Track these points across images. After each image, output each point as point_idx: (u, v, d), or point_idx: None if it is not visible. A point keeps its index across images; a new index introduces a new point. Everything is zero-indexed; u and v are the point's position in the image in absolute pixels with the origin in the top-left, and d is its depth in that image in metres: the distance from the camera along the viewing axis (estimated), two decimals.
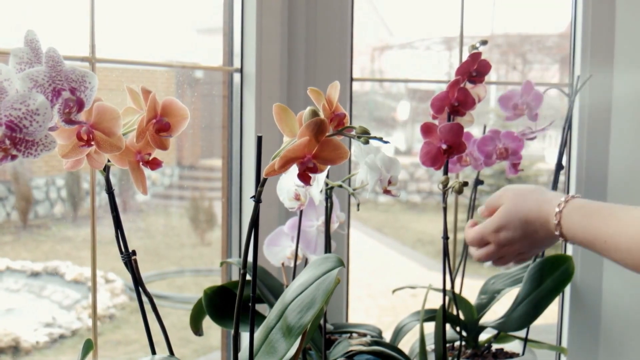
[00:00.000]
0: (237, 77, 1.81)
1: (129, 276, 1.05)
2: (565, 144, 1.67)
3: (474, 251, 1.36)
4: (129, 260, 1.04)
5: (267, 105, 1.77)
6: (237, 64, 1.81)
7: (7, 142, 0.78)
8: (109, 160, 0.97)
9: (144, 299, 1.07)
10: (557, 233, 1.17)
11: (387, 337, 1.64)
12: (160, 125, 0.95)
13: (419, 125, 1.26)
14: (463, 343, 1.66)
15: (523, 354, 1.66)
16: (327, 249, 1.36)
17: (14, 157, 0.79)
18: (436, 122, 1.32)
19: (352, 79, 1.88)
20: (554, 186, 1.66)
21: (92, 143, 0.89)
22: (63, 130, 0.89)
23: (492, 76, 1.40)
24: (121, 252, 1.04)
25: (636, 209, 1.06)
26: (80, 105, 0.85)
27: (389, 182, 1.26)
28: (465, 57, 1.38)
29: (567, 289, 1.98)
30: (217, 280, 2.01)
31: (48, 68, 0.82)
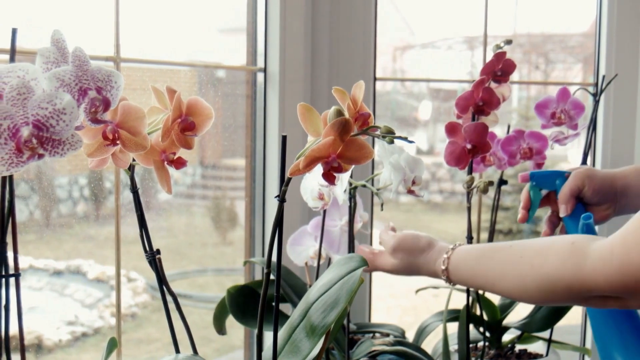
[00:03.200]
0: (260, 76, 1.81)
1: (151, 275, 1.06)
2: (589, 144, 1.66)
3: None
4: (154, 259, 1.04)
5: (290, 104, 1.77)
6: (260, 63, 1.81)
7: (34, 141, 0.79)
8: (133, 160, 0.97)
9: (168, 297, 1.07)
10: (443, 278, 1.20)
11: (409, 337, 1.64)
12: (186, 125, 0.95)
13: (440, 125, 1.26)
14: (486, 343, 1.65)
15: (547, 354, 1.65)
16: (351, 248, 1.36)
17: (40, 156, 0.79)
18: (460, 121, 1.32)
19: (375, 79, 1.88)
20: None
21: (118, 142, 0.89)
22: (89, 129, 0.89)
23: (514, 76, 1.39)
24: (145, 251, 1.04)
25: (515, 245, 1.09)
26: (106, 104, 0.85)
27: (413, 182, 1.25)
28: (488, 57, 1.38)
29: None
30: (239, 280, 2.01)
31: (74, 67, 0.82)
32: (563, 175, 1.38)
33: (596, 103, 1.68)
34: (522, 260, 1.05)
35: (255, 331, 1.01)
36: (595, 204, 1.36)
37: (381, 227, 1.39)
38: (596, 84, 1.95)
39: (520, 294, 1.07)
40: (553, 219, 1.41)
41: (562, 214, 1.35)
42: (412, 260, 1.26)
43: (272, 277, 1.31)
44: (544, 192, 1.39)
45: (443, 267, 1.18)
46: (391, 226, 1.36)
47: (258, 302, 1.37)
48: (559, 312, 1.60)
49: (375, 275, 2.02)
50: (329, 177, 0.90)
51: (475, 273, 1.13)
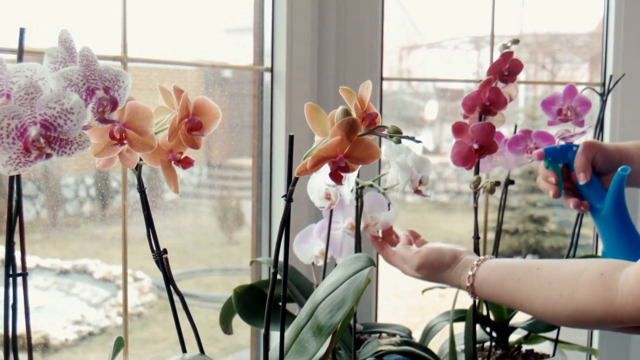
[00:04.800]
0: (267, 76, 1.81)
1: (157, 274, 1.06)
2: None
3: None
4: (161, 258, 1.04)
5: (297, 104, 1.77)
6: (267, 63, 1.81)
7: (42, 140, 0.79)
8: (141, 159, 0.97)
9: (175, 297, 1.07)
10: (469, 293, 1.20)
11: (416, 337, 1.64)
12: (193, 124, 0.95)
13: (447, 125, 1.26)
14: (493, 344, 1.65)
15: (553, 355, 1.65)
16: (358, 248, 1.35)
17: (48, 156, 0.80)
18: (467, 121, 1.31)
19: (382, 78, 1.88)
20: None
21: (125, 142, 0.90)
22: (96, 129, 0.89)
23: (520, 75, 1.39)
24: (153, 251, 1.04)
25: (542, 267, 1.10)
26: (114, 104, 0.85)
27: (420, 182, 1.25)
28: (495, 57, 1.37)
29: None
30: (245, 279, 2.01)
31: (82, 67, 0.83)
32: (572, 149, 1.43)
33: (603, 103, 1.68)
34: (550, 288, 1.06)
35: (262, 331, 1.01)
36: (604, 174, 1.41)
37: (400, 234, 1.38)
38: (603, 84, 1.95)
39: (549, 318, 1.08)
40: (570, 194, 1.44)
41: (582, 182, 1.39)
42: (436, 275, 1.27)
43: (278, 276, 1.31)
44: (559, 165, 1.44)
45: (468, 284, 1.18)
46: (408, 237, 1.35)
47: (264, 301, 1.37)
48: None
49: (382, 275, 2.02)
50: (336, 176, 0.90)
51: (502, 293, 1.14)
